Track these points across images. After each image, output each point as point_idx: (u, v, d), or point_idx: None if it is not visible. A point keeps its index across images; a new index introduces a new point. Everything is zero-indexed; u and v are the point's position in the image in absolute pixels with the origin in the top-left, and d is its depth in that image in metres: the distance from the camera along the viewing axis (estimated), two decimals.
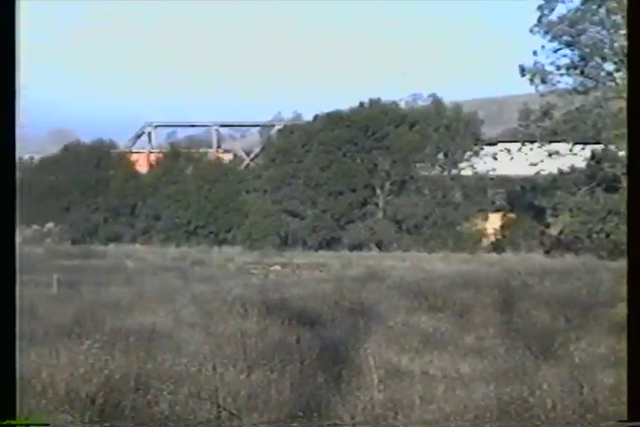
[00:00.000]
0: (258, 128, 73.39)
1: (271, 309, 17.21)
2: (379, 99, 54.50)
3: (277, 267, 36.19)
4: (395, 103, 56.33)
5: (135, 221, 56.34)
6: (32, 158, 68.33)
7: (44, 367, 10.36)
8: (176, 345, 13.74)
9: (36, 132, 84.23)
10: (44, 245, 46.41)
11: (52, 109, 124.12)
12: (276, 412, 9.98)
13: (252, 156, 59.95)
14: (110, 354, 11.01)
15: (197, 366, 11.69)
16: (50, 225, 57.14)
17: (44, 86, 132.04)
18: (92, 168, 57.18)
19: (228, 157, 59.69)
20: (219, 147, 62.96)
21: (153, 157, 59.93)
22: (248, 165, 58.92)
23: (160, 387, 10.34)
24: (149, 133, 62.97)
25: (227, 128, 67.91)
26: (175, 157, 57.59)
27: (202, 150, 60.84)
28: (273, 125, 63.78)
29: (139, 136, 63.26)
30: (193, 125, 68.45)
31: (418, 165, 51.69)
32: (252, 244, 51.40)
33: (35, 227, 55.94)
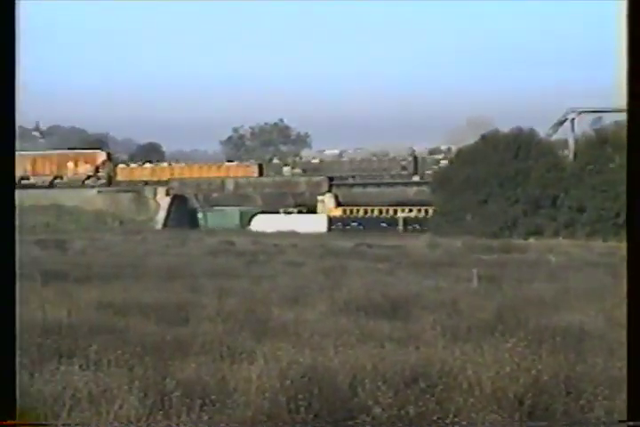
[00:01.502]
0: None
1: None
2: None
3: None
4: None
5: (557, 213, 55.07)
6: (449, 149, 68.77)
7: (469, 364, 9.94)
8: (608, 347, 12.68)
9: (456, 122, 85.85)
10: (462, 238, 46.75)
11: (469, 98, 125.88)
12: None
13: None
14: (537, 353, 10.33)
15: None
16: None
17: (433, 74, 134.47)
18: (510, 158, 56.71)
19: None
20: None
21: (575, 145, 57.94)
22: None
23: (594, 392, 9.46)
24: (572, 120, 60.42)
25: None
26: (601, 145, 55.22)
27: None
28: None
29: (561, 123, 61.08)
30: (621, 110, 65.19)
31: None
32: None
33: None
